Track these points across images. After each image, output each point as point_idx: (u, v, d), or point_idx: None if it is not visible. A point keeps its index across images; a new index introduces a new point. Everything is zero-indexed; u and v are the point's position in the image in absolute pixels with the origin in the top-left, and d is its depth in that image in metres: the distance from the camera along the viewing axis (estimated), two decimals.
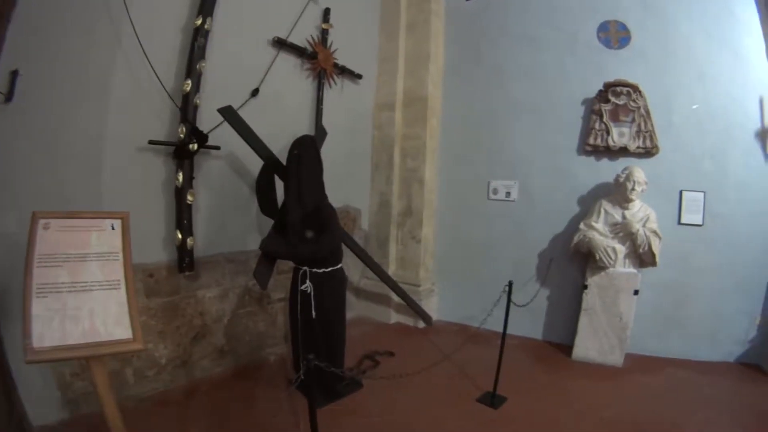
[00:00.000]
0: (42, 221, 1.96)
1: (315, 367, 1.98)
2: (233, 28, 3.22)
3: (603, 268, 3.72)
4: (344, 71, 4.24)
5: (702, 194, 3.98)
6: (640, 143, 3.96)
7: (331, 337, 2.95)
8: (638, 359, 3.86)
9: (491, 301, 3.17)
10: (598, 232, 3.77)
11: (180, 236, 2.90)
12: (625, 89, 3.94)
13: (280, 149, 3.19)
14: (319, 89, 3.98)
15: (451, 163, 4.61)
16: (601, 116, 4.01)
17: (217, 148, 3.09)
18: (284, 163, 2.99)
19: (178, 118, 2.88)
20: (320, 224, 2.80)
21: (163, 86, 2.79)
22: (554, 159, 4.26)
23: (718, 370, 3.85)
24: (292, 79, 3.81)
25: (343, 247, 3.22)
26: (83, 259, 1.99)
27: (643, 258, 3.72)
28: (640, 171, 3.72)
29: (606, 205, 3.84)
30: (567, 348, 3.97)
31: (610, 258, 3.67)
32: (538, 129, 4.31)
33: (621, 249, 3.71)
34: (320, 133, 3.57)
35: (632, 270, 3.75)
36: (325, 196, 2.99)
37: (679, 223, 4.00)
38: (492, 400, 3.06)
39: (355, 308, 4.67)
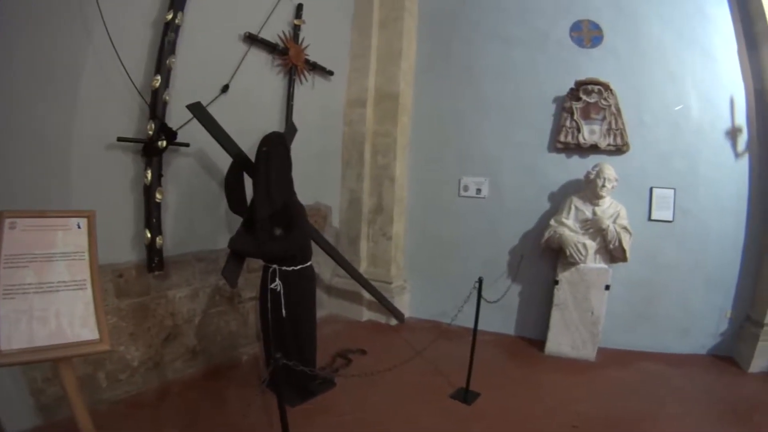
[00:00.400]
0: (8, 221, 1.92)
1: (285, 366, 1.97)
2: (204, 23, 3.19)
3: (574, 263, 3.76)
4: (315, 67, 4.22)
5: (672, 191, 4.05)
6: (611, 141, 4.03)
7: (302, 336, 2.94)
8: (611, 353, 3.92)
9: (463, 297, 3.19)
10: (569, 228, 3.82)
11: (149, 235, 2.87)
12: (596, 87, 3.99)
13: (249, 146, 3.17)
14: (290, 85, 3.96)
15: (421, 160, 4.63)
16: (572, 114, 4.06)
17: (187, 145, 3.06)
18: (253, 160, 2.97)
19: (147, 114, 2.84)
20: (289, 222, 2.79)
21: (133, 82, 2.75)
22: (525, 156, 4.29)
23: (689, 362, 3.93)
24: (262, 76, 3.78)
25: (314, 244, 3.22)
26: (50, 259, 1.96)
27: (613, 254, 3.77)
28: (610, 168, 3.78)
29: (576, 201, 3.89)
30: (540, 343, 4.00)
31: (581, 254, 3.71)
32: (509, 126, 4.35)
33: (591, 245, 3.76)
34: (290, 129, 3.55)
35: (603, 265, 3.80)
36: (293, 194, 2.98)
37: (650, 219, 4.08)
38: (465, 396, 3.08)
39: (326, 306, 4.66)
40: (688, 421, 2.96)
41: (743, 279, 4.07)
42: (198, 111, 2.90)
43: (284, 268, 2.82)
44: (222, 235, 3.46)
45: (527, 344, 4.14)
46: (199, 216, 3.38)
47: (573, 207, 3.88)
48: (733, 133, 4.04)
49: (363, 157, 4.54)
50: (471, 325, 3.19)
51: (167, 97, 2.87)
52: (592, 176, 3.79)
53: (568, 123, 4.08)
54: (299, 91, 4.09)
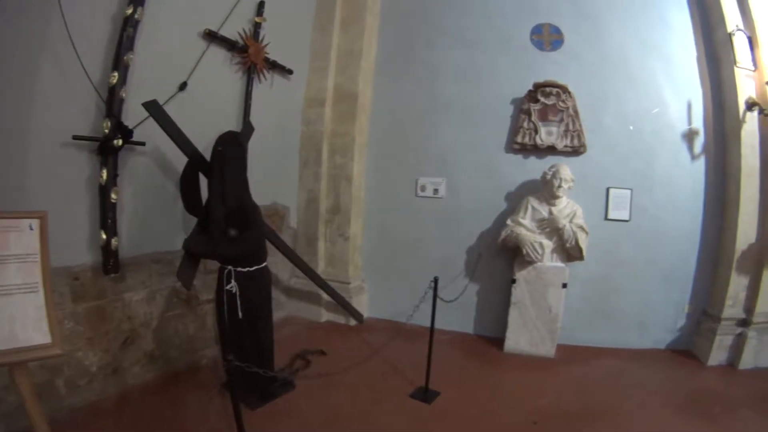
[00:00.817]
0: None
1: (241, 369, 1.96)
2: (164, 18, 3.13)
3: (530, 262, 3.82)
4: (275, 66, 4.18)
5: (629, 191, 4.16)
6: (568, 142, 4.11)
7: (259, 337, 2.92)
8: (570, 350, 3.99)
9: (420, 297, 3.22)
10: (525, 227, 3.88)
11: (104, 236, 2.81)
12: (554, 90, 4.07)
13: (206, 145, 3.11)
14: (249, 84, 3.93)
15: (379, 161, 4.64)
16: (530, 115, 4.13)
17: (142, 144, 3.01)
18: (209, 160, 2.93)
19: (103, 112, 2.77)
20: (244, 222, 2.77)
21: (89, 78, 2.68)
22: (482, 157, 4.34)
23: (649, 357, 4.04)
24: (221, 74, 3.73)
25: (270, 245, 3.21)
26: (2, 261, 1.93)
27: (570, 252, 3.84)
28: (566, 169, 3.86)
29: (533, 201, 3.95)
30: (499, 341, 4.04)
31: (537, 252, 3.77)
32: (468, 127, 4.39)
33: (548, 244, 3.83)
34: (247, 128, 3.52)
35: (560, 264, 3.88)
36: (248, 194, 2.97)
37: (606, 218, 4.17)
38: (425, 395, 3.10)
39: (285, 307, 4.63)
40: (649, 413, 3.04)
41: (699, 275, 4.20)
42: (154, 109, 2.84)
43: (239, 269, 2.80)
44: (178, 236, 3.37)
45: (486, 342, 4.18)
46: (154, 216, 3.32)
47: (530, 207, 3.94)
48: (689, 136, 4.18)
49: (321, 156, 4.52)
50: (429, 325, 3.20)
51: (124, 95, 2.82)
52: (548, 177, 3.85)
53: (525, 124, 4.15)
54: (258, 89, 4.05)
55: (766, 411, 3.11)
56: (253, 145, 3.48)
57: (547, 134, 4.11)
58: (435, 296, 3.17)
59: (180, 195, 3.04)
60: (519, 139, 4.17)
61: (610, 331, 4.20)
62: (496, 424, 2.83)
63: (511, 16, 4.35)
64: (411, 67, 4.56)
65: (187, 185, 2.99)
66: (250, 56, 3.83)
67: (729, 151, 4.05)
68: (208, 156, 2.98)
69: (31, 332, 1.90)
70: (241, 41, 3.78)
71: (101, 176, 2.79)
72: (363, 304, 4.54)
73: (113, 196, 2.84)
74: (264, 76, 4.09)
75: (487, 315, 4.32)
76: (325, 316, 4.47)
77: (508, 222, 3.97)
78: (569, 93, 4.12)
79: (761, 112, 3.77)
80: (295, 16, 4.53)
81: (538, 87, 4.11)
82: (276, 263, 4.19)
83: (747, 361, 3.79)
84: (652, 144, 4.17)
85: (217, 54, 3.66)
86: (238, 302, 2.78)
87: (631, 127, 4.18)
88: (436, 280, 3.17)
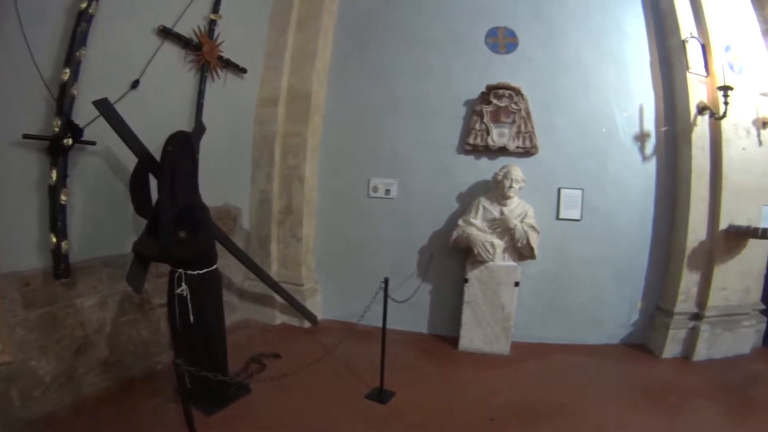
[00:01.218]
0: None
1: (195, 374, 1.93)
2: (119, 13, 3.05)
3: (482, 262, 3.86)
4: (229, 64, 4.12)
5: (580, 191, 4.26)
6: (520, 143, 4.18)
7: (212, 341, 2.88)
8: (525, 347, 4.05)
9: (372, 297, 3.21)
10: (476, 227, 3.93)
11: (54, 240, 2.72)
12: (507, 92, 4.14)
13: (158, 145, 3.03)
14: (202, 82, 3.86)
15: (332, 161, 4.63)
16: (482, 117, 4.18)
17: (93, 143, 2.91)
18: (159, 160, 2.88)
19: (54, 110, 2.68)
20: (193, 224, 2.73)
21: (41, 74, 2.59)
22: (434, 158, 4.38)
23: (604, 352, 4.13)
24: (174, 72, 3.66)
25: (221, 247, 3.19)
26: None
27: (522, 251, 3.91)
28: (517, 169, 3.92)
29: (484, 202, 4.01)
30: (453, 340, 4.07)
31: (489, 252, 3.82)
32: (420, 128, 4.42)
33: (499, 243, 3.89)
34: (198, 128, 3.47)
35: (512, 263, 3.93)
36: (198, 195, 2.93)
37: (558, 218, 4.26)
38: (380, 395, 3.10)
39: (239, 310, 4.56)
40: (606, 406, 3.10)
41: (651, 272, 4.33)
42: (104, 108, 2.76)
43: (190, 272, 2.76)
44: (129, 239, 3.25)
45: (441, 342, 4.21)
46: (105, 219, 3.23)
47: (481, 207, 3.99)
48: (641, 138, 4.31)
49: (273, 157, 4.47)
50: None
51: (75, 92, 2.73)
52: (499, 177, 3.91)
53: (477, 126, 4.20)
54: (211, 88, 3.98)
55: (721, 400, 3.23)
56: (205, 146, 3.43)
57: (499, 135, 4.17)
58: (386, 296, 3.18)
59: (130, 196, 2.97)
60: (471, 140, 4.22)
61: (564, 328, 4.29)
62: (453, 421, 2.86)
63: (467, 19, 4.40)
64: (365, 68, 4.57)
65: (137, 186, 2.93)
66: (204, 54, 3.77)
67: (680, 153, 4.20)
68: (158, 156, 2.93)
69: None
70: (195, 39, 3.72)
71: (51, 177, 2.70)
72: (317, 306, 4.52)
73: (63, 197, 2.76)
74: (217, 74, 4.03)
75: (441, 314, 4.36)
76: (280, 318, 4.44)
77: (460, 222, 4.01)
78: (522, 95, 4.19)
79: (712, 115, 3.93)
80: (252, 13, 4.47)
81: (491, 89, 4.17)
82: (229, 266, 4.14)
83: (701, 353, 3.95)
84: (603, 145, 4.28)
85: (171, 51, 3.59)
86: (189, 306, 2.74)
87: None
88: (386, 281, 3.18)
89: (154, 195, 2.96)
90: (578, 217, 4.25)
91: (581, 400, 3.17)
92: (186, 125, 3.67)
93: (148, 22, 3.36)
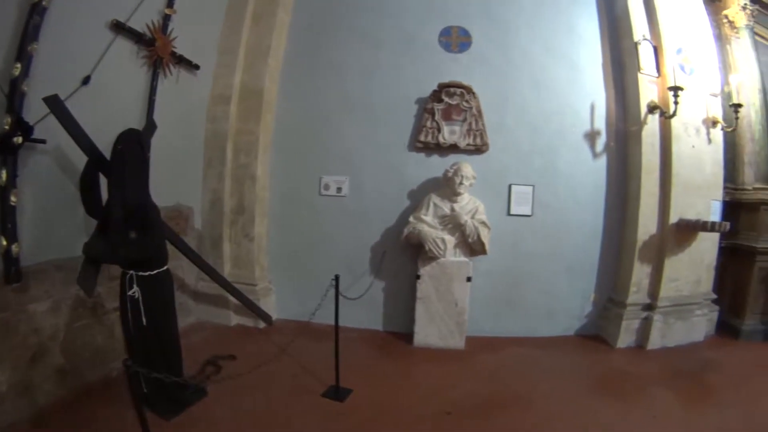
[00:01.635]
0: None
1: (152, 379, 1.90)
2: (72, 6, 2.95)
3: (434, 258, 3.91)
4: (182, 61, 4.04)
5: (531, 188, 4.36)
6: (471, 141, 4.26)
7: (165, 343, 2.85)
8: (480, 341, 4.11)
9: (323, 295, 3.22)
10: (427, 224, 3.97)
11: (4, 242, 2.62)
12: (458, 90, 4.20)
13: (108, 144, 2.96)
14: (154, 79, 3.78)
15: (283, 159, 4.59)
16: (434, 115, 4.24)
17: (43, 141, 2.81)
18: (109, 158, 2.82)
19: (4, 106, 2.57)
20: (144, 224, 2.69)
21: None
22: (386, 155, 4.40)
23: (558, 343, 4.24)
24: (126, 68, 3.56)
25: (172, 247, 3.15)
26: None
27: (473, 247, 3.98)
28: (468, 166, 3.99)
29: (435, 198, 4.06)
30: (408, 336, 4.11)
31: (440, 248, 3.88)
32: (372, 126, 4.44)
33: (450, 239, 3.95)
34: (149, 126, 3.40)
35: (463, 259, 4.00)
36: (148, 195, 2.88)
37: (509, 214, 4.36)
38: (337, 393, 3.11)
39: (194, 312, 4.48)
40: (563, 396, 3.18)
41: (603, 265, 4.47)
42: (54, 104, 2.67)
43: (141, 273, 2.72)
44: (81, 241, 3.11)
45: (396, 338, 4.25)
46: (57, 220, 3.14)
47: (432, 204, 4.04)
48: (592, 136, 4.44)
49: (225, 155, 4.42)
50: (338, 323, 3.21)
51: (26, 88, 2.64)
52: (450, 174, 3.97)
53: (429, 123, 4.25)
54: (163, 85, 3.90)
55: (676, 386, 3.35)
56: (156, 144, 3.36)
57: (450, 133, 4.24)
58: (337, 294, 3.20)
59: (80, 196, 2.89)
60: (422, 137, 4.27)
61: (518, 321, 4.39)
62: (410, 416, 2.88)
63: (421, 18, 4.45)
64: (318, 65, 4.55)
65: (87, 186, 2.85)
66: (156, 50, 3.69)
67: (630, 150, 4.35)
68: (108, 155, 2.86)
69: None
70: (149, 33, 3.63)
71: (0, 177, 2.60)
72: (271, 306, 4.50)
73: (13, 198, 2.66)
74: (170, 71, 3.95)
75: (395, 311, 4.39)
76: (235, 319, 4.40)
77: (411, 219, 4.06)
78: (473, 93, 4.27)
79: (662, 114, 4.08)
80: (207, 9, 4.40)
81: (443, 87, 4.23)
82: (182, 267, 4.09)
83: (655, 342, 4.10)
84: (554, 143, 4.40)
85: (124, 46, 3.50)
86: (142, 308, 2.70)
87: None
88: (337, 278, 3.20)
89: (105, 195, 2.89)
90: (529, 213, 4.36)
91: (537, 391, 3.24)
92: (137, 123, 3.58)
93: (101, 16, 3.27)
